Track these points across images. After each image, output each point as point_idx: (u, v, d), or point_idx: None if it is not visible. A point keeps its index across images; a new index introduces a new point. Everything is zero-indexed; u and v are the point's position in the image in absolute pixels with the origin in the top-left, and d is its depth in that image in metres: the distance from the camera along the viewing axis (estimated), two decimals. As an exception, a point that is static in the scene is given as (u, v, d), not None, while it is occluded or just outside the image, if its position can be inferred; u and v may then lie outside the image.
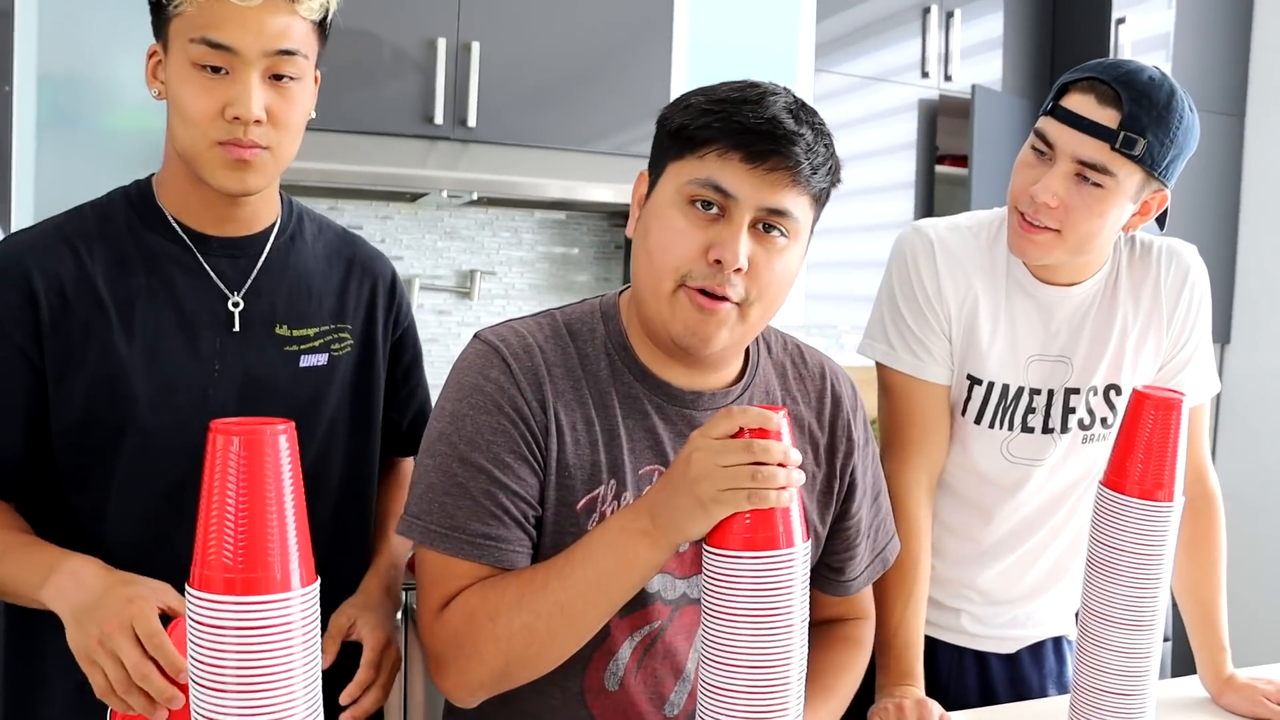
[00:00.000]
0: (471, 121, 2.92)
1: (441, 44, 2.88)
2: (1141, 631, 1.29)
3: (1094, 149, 1.41)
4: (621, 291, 1.31)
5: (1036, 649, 1.77)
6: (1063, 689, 1.74)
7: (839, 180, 1.21)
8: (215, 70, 1.21)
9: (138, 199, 1.35)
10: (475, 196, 3.00)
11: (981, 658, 1.75)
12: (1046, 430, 1.62)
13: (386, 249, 3.19)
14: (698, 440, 1.05)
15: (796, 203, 1.15)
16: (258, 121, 1.22)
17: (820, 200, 1.20)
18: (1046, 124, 1.45)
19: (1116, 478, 1.28)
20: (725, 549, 1.03)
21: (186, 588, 0.89)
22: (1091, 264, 1.58)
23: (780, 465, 1.02)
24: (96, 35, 2.63)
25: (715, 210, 1.14)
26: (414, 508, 1.21)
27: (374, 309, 1.46)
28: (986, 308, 1.58)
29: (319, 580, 0.91)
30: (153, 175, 1.37)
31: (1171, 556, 1.29)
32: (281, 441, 0.89)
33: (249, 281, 1.34)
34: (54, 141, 2.60)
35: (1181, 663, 1.73)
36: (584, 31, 3.07)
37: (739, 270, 1.13)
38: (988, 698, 1.73)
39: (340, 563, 1.41)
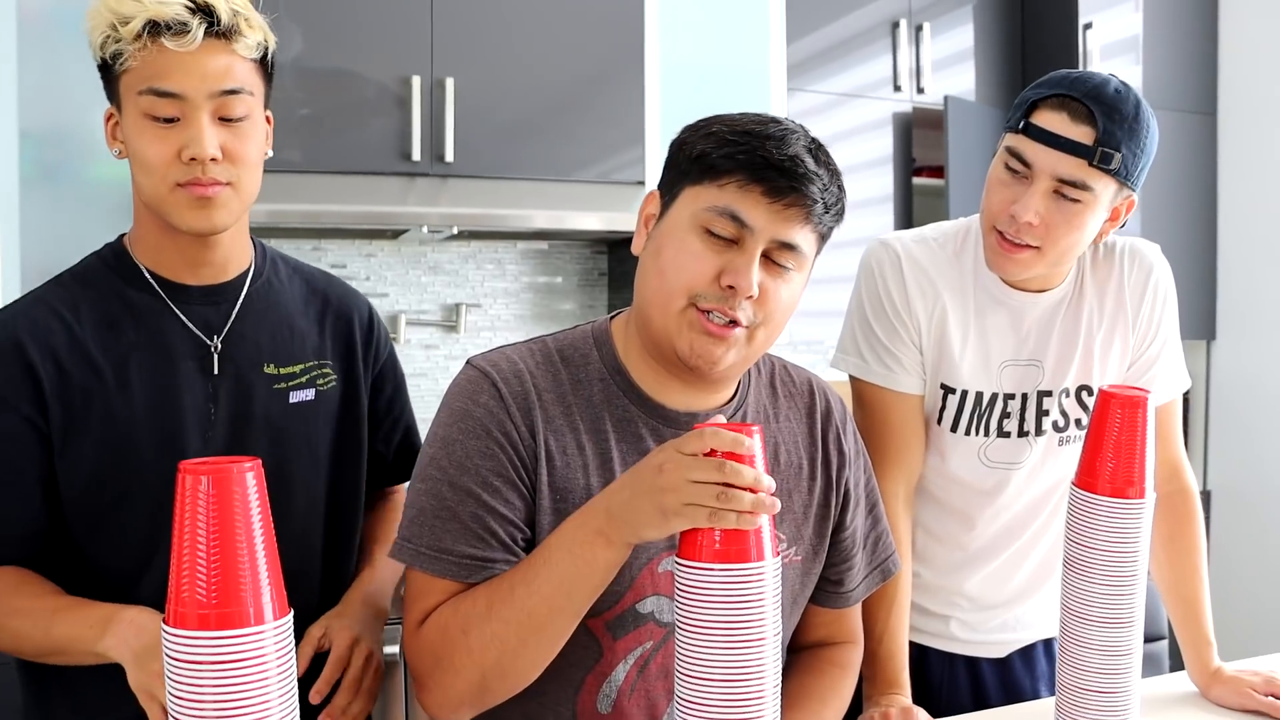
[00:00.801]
0: (449, 156, 2.94)
1: (416, 81, 2.91)
2: (1121, 629, 1.30)
3: (1072, 166, 1.43)
4: (613, 317, 1.33)
5: (1027, 652, 1.78)
6: (1055, 691, 1.75)
7: (842, 219, 1.24)
8: (168, 120, 1.25)
9: (114, 260, 1.37)
10: (456, 230, 3.02)
11: (973, 663, 1.75)
12: (1022, 434, 1.64)
13: (371, 286, 3.23)
14: (670, 452, 1.05)
15: (806, 238, 1.19)
16: (214, 159, 1.25)
17: (825, 237, 1.23)
18: (1021, 143, 1.47)
19: (1087, 477, 1.30)
20: (697, 561, 1.04)
21: (162, 625, 0.90)
22: (1062, 271, 1.60)
23: (749, 489, 1.02)
24: (76, 88, 2.65)
25: (729, 238, 1.17)
26: (405, 531, 1.23)
27: (352, 346, 1.49)
28: (956, 317, 1.60)
29: (292, 612, 0.93)
30: (124, 235, 1.41)
31: (1146, 552, 1.31)
32: (249, 479, 0.90)
33: (229, 325, 1.37)
34: (38, 195, 2.62)
35: (1179, 659, 1.74)
36: (556, 62, 3.10)
37: (750, 297, 1.16)
38: (980, 703, 1.73)
39: (332, 591, 1.45)
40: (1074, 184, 1.44)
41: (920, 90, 3.59)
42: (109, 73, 1.29)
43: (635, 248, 1.27)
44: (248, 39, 1.27)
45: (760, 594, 1.03)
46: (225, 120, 1.27)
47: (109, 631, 1.19)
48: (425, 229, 3.00)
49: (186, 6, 1.23)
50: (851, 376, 1.66)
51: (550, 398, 1.24)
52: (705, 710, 1.04)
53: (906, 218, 3.59)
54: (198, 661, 0.89)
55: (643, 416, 1.26)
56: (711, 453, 1.04)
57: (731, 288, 1.16)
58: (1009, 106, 3.88)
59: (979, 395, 1.62)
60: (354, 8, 2.81)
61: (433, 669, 1.18)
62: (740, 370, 1.27)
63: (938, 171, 3.57)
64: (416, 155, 2.91)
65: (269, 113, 1.36)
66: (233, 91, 1.27)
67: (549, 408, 1.24)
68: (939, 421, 1.64)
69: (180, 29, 1.23)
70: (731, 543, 1.03)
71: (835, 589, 1.42)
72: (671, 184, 1.22)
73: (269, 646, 0.90)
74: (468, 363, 1.27)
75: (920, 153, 3.61)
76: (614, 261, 3.47)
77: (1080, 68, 3.53)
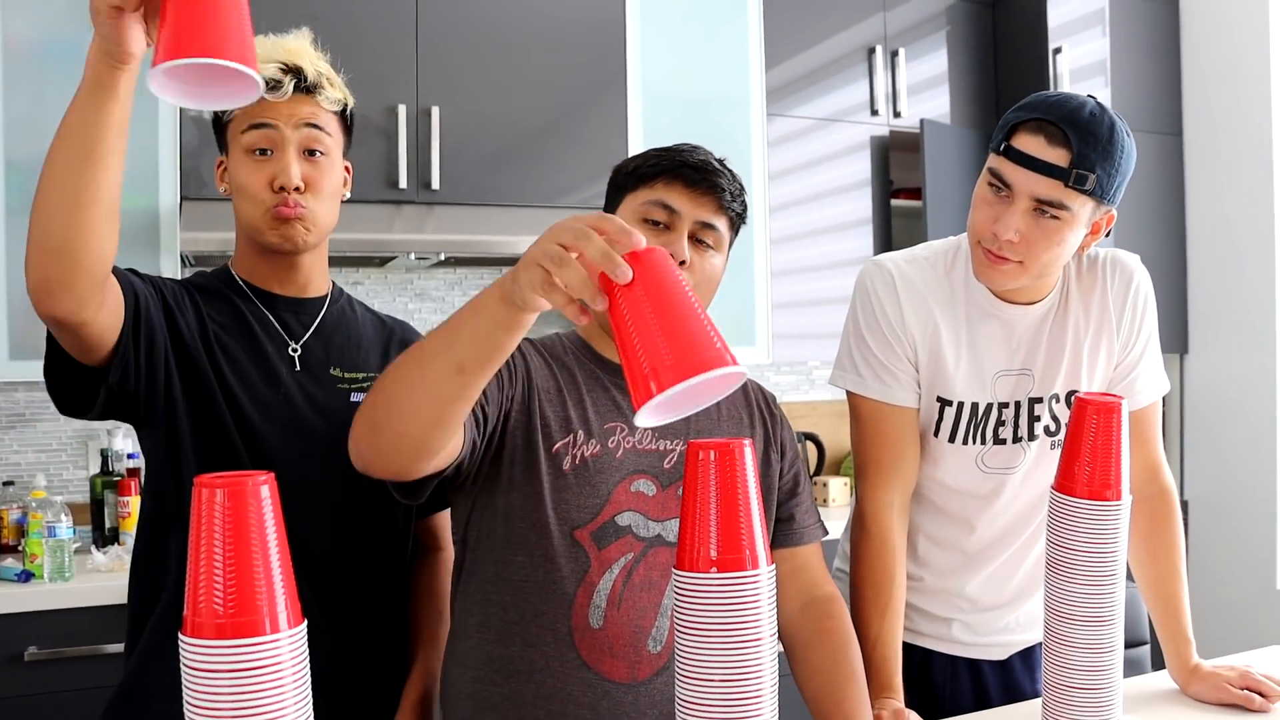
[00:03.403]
0: (435, 184, 2.98)
1: (402, 110, 2.95)
2: (1103, 626, 1.34)
3: (1049, 187, 1.49)
4: (574, 329, 1.59)
5: (1027, 654, 1.81)
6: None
7: (746, 210, 1.53)
8: (263, 152, 1.52)
9: (218, 274, 1.63)
10: (443, 257, 3.05)
11: (974, 666, 1.79)
12: (1016, 439, 1.69)
13: (359, 313, 3.26)
14: (566, 217, 1.02)
15: (721, 221, 1.49)
16: (297, 189, 1.51)
17: (734, 226, 1.53)
18: (1001, 165, 1.53)
19: (1066, 481, 1.34)
20: (693, 571, 1.08)
21: (180, 636, 0.93)
22: (1048, 283, 1.66)
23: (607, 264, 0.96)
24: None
25: (663, 226, 1.46)
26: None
27: None
28: (948, 332, 1.66)
29: (306, 622, 0.96)
30: (229, 259, 1.66)
31: (1125, 551, 1.35)
32: (263, 491, 0.93)
33: (308, 334, 1.61)
34: (24, 227, 2.64)
35: (1160, 664, 1.78)
36: (540, 90, 3.14)
37: (683, 262, 1.44)
38: (982, 704, 1.77)
39: (387, 583, 1.61)
40: (1051, 204, 1.50)
41: (897, 114, 3.65)
42: (220, 125, 1.57)
43: None
44: (329, 94, 1.56)
45: (756, 599, 1.07)
46: (309, 155, 1.54)
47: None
48: (412, 256, 3.03)
49: (279, 68, 1.51)
50: (848, 392, 1.70)
51: (537, 361, 1.49)
52: (706, 711, 1.07)
53: (885, 239, 3.63)
54: (215, 670, 0.91)
55: (607, 377, 1.51)
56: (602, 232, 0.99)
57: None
58: (985, 128, 3.95)
59: (974, 406, 1.67)
60: (340, 37, 2.82)
61: (356, 419, 1.24)
62: None
63: (915, 193, 3.62)
64: (403, 183, 2.95)
65: (348, 162, 1.64)
66: (315, 126, 1.54)
67: (534, 361, 1.48)
68: (935, 434, 1.69)
69: (274, 84, 1.50)
70: (727, 552, 1.07)
71: (789, 526, 1.57)
72: (614, 200, 1.53)
73: (284, 654, 0.92)
74: None
75: (898, 175, 3.67)
76: (598, 285, 3.50)
77: (1052, 90, 3.59)
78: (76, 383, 1.44)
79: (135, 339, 1.42)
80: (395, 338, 1.70)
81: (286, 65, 1.52)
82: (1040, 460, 1.71)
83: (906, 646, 1.70)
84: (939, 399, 1.67)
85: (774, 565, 1.11)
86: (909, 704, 1.58)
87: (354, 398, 1.59)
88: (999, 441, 1.69)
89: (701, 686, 1.08)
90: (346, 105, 1.60)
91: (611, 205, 1.53)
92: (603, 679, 1.40)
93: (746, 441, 1.10)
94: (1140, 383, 1.71)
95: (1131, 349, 1.71)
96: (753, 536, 1.08)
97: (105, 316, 1.35)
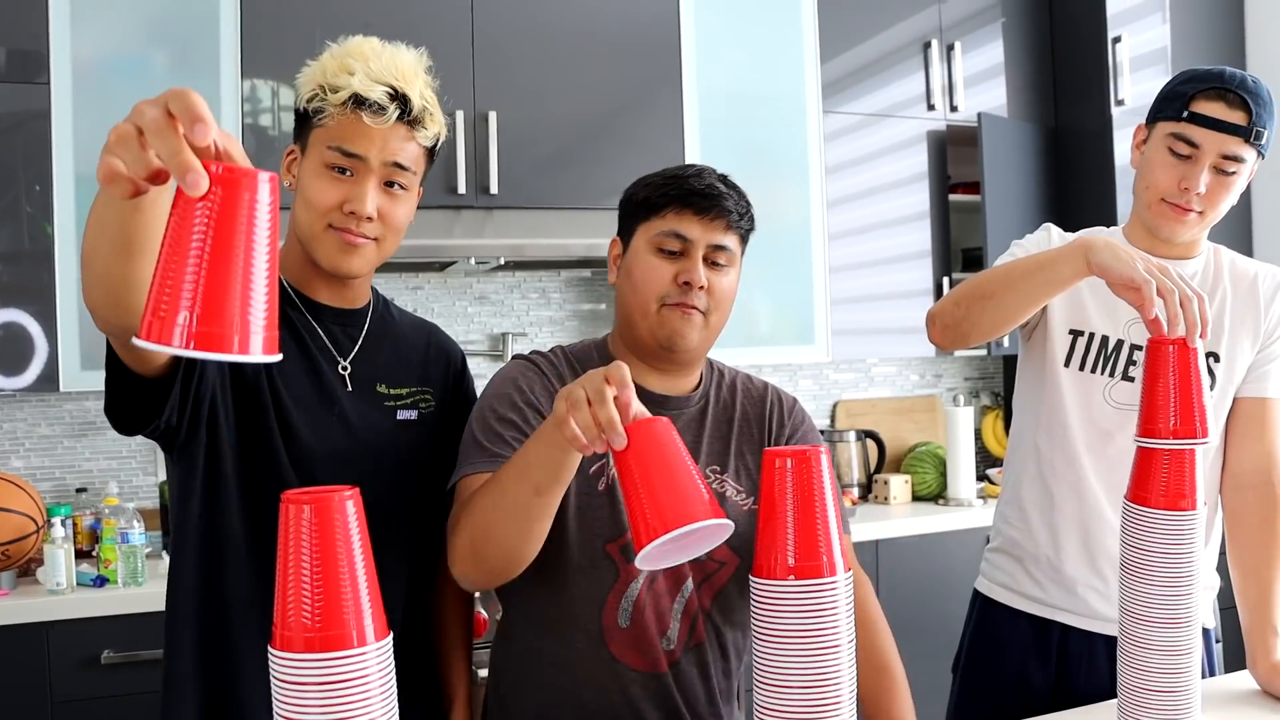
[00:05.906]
0: (494, 189, 3.01)
1: (460, 116, 2.97)
2: (1179, 629, 1.35)
3: (1235, 144, 1.72)
4: (605, 336, 1.67)
5: None
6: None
7: (754, 224, 1.60)
8: (342, 171, 1.46)
9: None
10: (502, 261, 3.08)
11: (1112, 644, 1.78)
12: None
13: (420, 317, 3.29)
14: (608, 373, 1.18)
15: (731, 240, 1.56)
16: (369, 218, 1.46)
17: (744, 239, 1.59)
18: (1187, 129, 1.74)
19: (1140, 491, 1.36)
20: (771, 579, 1.09)
21: (269, 649, 0.95)
22: (1198, 242, 1.87)
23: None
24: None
25: (678, 253, 1.53)
26: (460, 463, 1.49)
27: (448, 380, 1.68)
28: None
29: (391, 634, 0.97)
30: None
31: (1200, 556, 1.36)
32: (349, 507, 0.95)
33: (356, 348, 1.58)
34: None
35: (1234, 661, 1.76)
36: (596, 92, 3.16)
37: (701, 288, 1.52)
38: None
39: (431, 596, 1.63)
40: (1234, 158, 1.73)
41: (953, 108, 3.63)
42: (305, 120, 1.50)
43: (612, 279, 1.62)
44: (428, 130, 1.50)
45: (834, 605, 1.08)
46: (388, 185, 1.48)
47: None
48: (472, 260, 3.06)
49: (387, 93, 1.44)
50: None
51: (569, 377, 1.57)
52: (785, 716, 1.09)
53: (944, 234, 3.61)
54: (304, 683, 0.93)
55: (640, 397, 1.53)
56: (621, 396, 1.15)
57: (687, 283, 1.51)
58: (1043, 121, 3.89)
59: (1105, 339, 1.83)
60: (397, 47, 2.89)
61: (451, 536, 1.43)
62: (703, 351, 1.60)
63: (973, 188, 3.60)
64: (462, 188, 2.98)
65: (421, 188, 1.56)
66: (401, 166, 1.48)
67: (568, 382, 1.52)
68: (1066, 364, 1.84)
69: (378, 109, 1.44)
70: (804, 559, 1.08)
71: None
72: (627, 228, 1.58)
73: (372, 666, 0.94)
74: (513, 358, 1.63)
75: (955, 169, 3.64)
76: (655, 286, 3.52)
77: (1110, 80, 3.58)
78: (131, 400, 1.43)
79: (186, 381, 1.37)
80: (432, 346, 1.68)
81: (395, 91, 1.45)
82: None
83: (1042, 621, 1.85)
84: (1071, 331, 1.84)
85: (850, 572, 1.12)
86: (1043, 679, 1.78)
87: (400, 415, 1.58)
88: (1127, 378, 1.80)
89: (779, 692, 1.09)
90: (439, 139, 1.54)
91: (625, 233, 1.58)
92: (629, 669, 1.50)
93: (823, 448, 1.11)
94: (1272, 378, 1.84)
95: (1272, 344, 1.83)
96: (830, 544, 1.09)
97: None
